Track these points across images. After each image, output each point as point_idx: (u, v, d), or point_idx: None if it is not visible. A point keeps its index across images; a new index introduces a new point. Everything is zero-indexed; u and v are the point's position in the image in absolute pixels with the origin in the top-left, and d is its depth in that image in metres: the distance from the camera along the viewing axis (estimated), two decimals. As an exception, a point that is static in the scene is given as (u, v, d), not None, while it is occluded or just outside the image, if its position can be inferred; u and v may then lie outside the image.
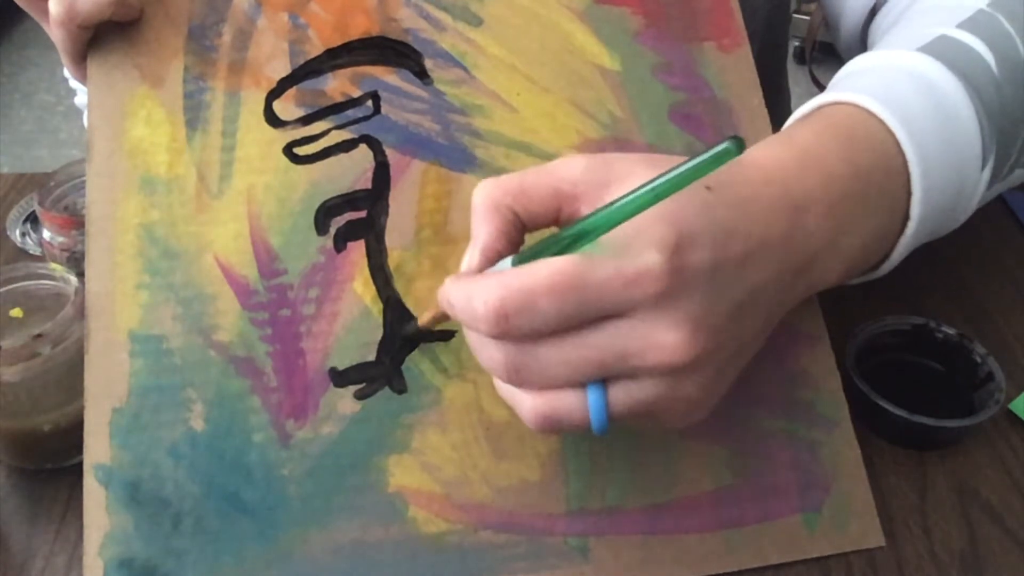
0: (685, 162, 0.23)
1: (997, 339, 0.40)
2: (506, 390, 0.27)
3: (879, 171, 0.31)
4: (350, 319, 0.33)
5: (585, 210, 0.26)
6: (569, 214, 0.27)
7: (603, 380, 0.25)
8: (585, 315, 0.24)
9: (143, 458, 0.31)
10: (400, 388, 0.32)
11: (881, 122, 0.31)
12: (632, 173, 0.25)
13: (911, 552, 0.32)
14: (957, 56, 0.34)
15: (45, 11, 0.34)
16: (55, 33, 0.35)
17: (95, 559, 0.30)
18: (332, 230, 0.34)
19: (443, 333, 0.33)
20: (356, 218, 0.34)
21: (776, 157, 0.29)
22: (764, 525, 0.32)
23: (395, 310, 0.33)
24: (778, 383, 0.34)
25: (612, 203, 0.24)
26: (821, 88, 0.35)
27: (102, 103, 0.35)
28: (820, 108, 0.33)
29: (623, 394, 0.25)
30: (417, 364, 0.33)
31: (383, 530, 0.31)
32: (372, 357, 0.33)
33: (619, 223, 0.24)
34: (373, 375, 0.32)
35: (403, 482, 0.31)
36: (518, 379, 0.25)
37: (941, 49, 0.34)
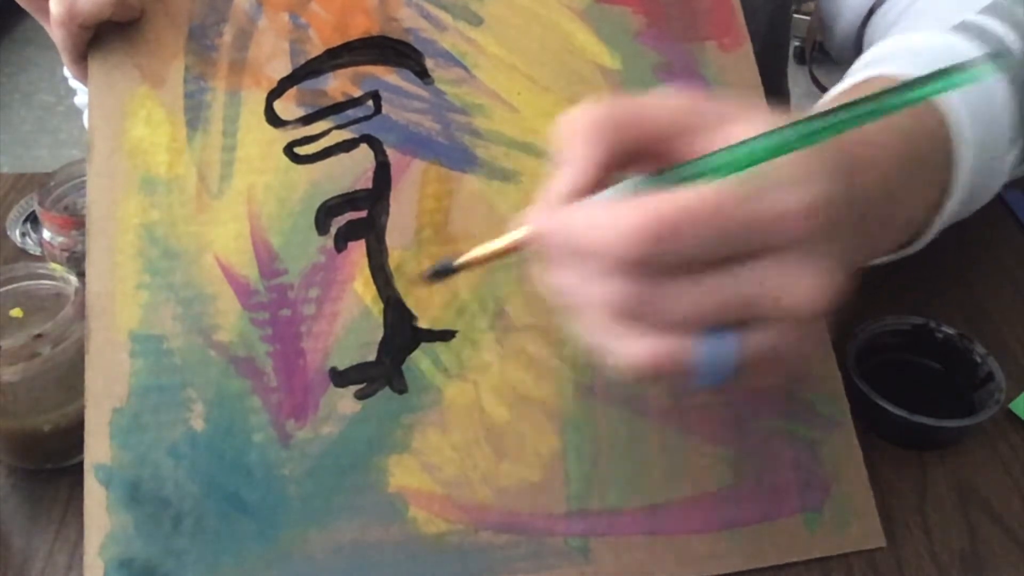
0: (852, 103, 0.20)
1: (997, 339, 0.40)
2: (602, 329, 0.24)
3: (926, 141, 0.31)
4: (350, 319, 0.33)
5: (685, 150, 0.23)
6: (667, 152, 0.24)
7: (725, 327, 0.23)
8: (729, 250, 0.22)
9: (143, 458, 0.31)
10: (400, 388, 0.32)
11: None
12: (746, 115, 0.23)
13: (911, 552, 0.32)
14: (986, 38, 0.34)
15: (46, 11, 0.34)
16: (56, 33, 0.35)
17: (95, 559, 0.30)
18: (333, 230, 0.34)
19: (444, 333, 0.33)
20: (357, 218, 0.34)
21: None
22: (765, 525, 0.32)
23: (395, 310, 0.33)
24: (779, 383, 0.34)
25: (747, 141, 0.22)
26: (821, 88, 0.35)
27: (102, 103, 0.35)
28: (863, 83, 0.33)
29: (749, 341, 0.23)
30: (418, 364, 0.33)
31: (383, 530, 0.31)
32: (372, 357, 0.33)
33: (759, 163, 0.21)
34: (373, 375, 0.32)
35: (403, 482, 0.31)
36: (635, 315, 0.23)
37: (970, 31, 0.35)
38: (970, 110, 0.32)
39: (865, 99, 0.20)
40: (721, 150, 0.22)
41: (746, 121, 0.23)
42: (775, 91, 0.60)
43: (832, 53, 0.51)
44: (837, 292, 0.24)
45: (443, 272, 0.29)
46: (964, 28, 0.35)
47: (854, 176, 0.27)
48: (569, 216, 0.23)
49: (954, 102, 0.31)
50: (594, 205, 0.23)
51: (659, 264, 0.22)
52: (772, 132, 0.21)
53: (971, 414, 0.35)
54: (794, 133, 0.21)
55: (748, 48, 0.37)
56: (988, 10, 0.36)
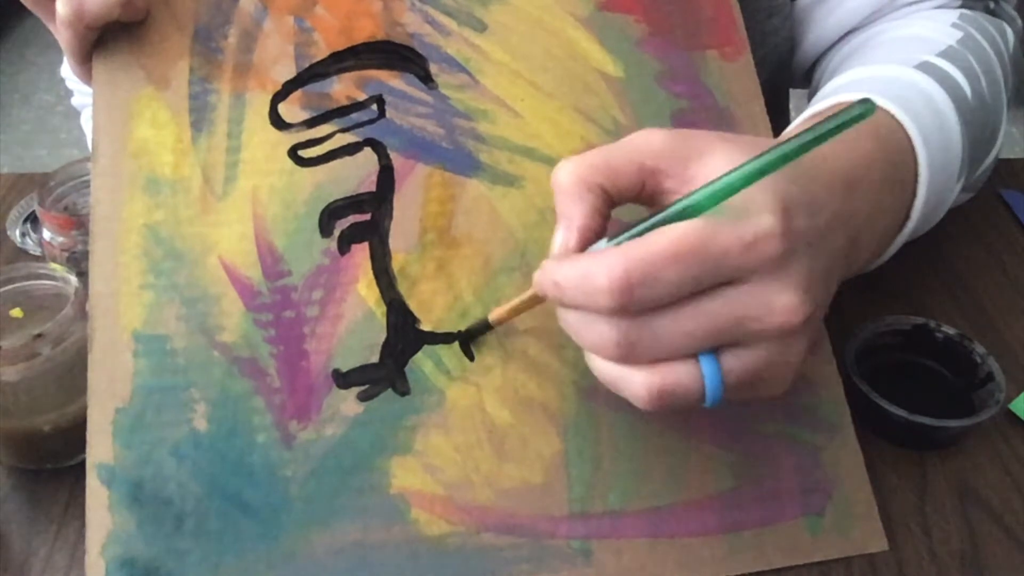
0: (809, 129, 0.23)
1: (997, 339, 0.41)
2: (609, 371, 0.26)
3: (903, 167, 0.33)
4: (354, 321, 0.33)
5: (669, 184, 0.26)
6: (652, 187, 0.27)
7: (714, 350, 0.25)
8: (705, 282, 0.24)
9: (146, 458, 0.31)
10: (403, 390, 0.32)
11: (897, 121, 0.34)
12: (711, 149, 0.26)
13: (911, 552, 0.32)
14: (944, 80, 0.37)
15: (51, 11, 0.34)
16: (62, 33, 0.35)
17: (97, 559, 0.30)
18: (336, 232, 0.34)
19: (447, 336, 0.33)
20: (360, 221, 0.34)
21: None
22: (767, 529, 0.32)
23: (398, 312, 0.33)
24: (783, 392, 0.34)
25: (720, 178, 0.24)
26: None
27: (107, 104, 0.35)
28: (838, 105, 0.35)
29: (736, 362, 0.25)
30: (420, 366, 0.33)
31: (385, 531, 0.31)
32: (375, 359, 0.33)
33: (726, 198, 0.24)
34: (376, 377, 0.32)
35: (405, 484, 0.31)
36: (631, 355, 0.25)
37: (930, 71, 0.37)
38: (931, 142, 0.34)
39: (812, 128, 0.23)
40: (698, 190, 0.24)
41: (722, 150, 0.26)
42: (778, 111, 0.61)
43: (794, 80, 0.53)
44: (818, 306, 0.26)
45: (479, 331, 0.32)
46: (926, 68, 0.37)
47: (853, 195, 0.28)
48: (564, 269, 0.26)
49: (918, 133, 0.34)
50: (580, 259, 0.25)
51: (640, 305, 0.24)
52: (746, 164, 0.24)
53: (971, 414, 0.35)
54: (761, 162, 0.23)
55: (749, 57, 0.38)
56: (945, 54, 0.39)
